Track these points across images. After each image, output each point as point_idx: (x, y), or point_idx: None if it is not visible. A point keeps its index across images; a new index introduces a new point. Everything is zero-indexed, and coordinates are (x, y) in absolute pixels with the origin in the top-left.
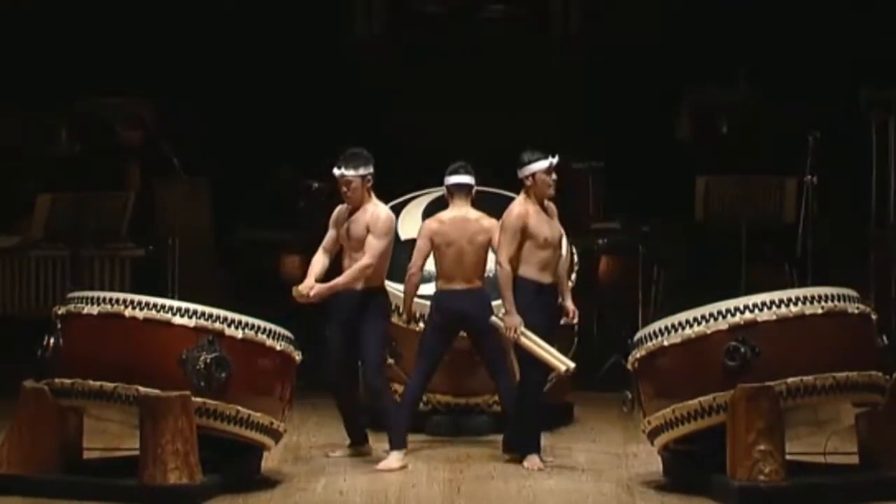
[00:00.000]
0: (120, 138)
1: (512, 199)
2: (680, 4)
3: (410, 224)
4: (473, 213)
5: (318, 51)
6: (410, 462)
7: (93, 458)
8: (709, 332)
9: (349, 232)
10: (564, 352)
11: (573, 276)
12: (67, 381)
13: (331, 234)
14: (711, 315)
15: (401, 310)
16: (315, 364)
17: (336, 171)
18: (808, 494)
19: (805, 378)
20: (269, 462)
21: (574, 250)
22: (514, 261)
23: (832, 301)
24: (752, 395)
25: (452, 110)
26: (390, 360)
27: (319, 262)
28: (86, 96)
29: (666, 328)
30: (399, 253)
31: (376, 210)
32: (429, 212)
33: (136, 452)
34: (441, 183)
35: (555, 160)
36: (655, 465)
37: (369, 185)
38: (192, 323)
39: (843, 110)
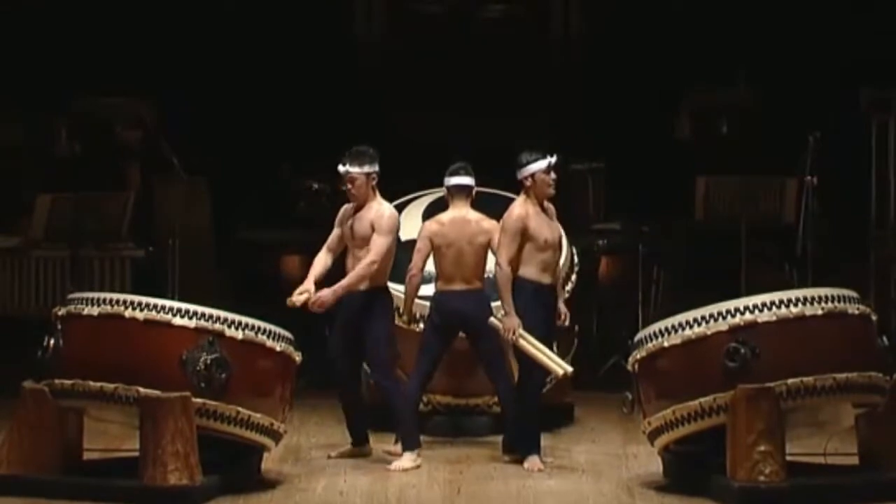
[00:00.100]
0: (120, 138)
1: (512, 199)
2: (680, 4)
3: (410, 225)
4: (473, 215)
5: (318, 51)
6: None
7: (93, 459)
8: (709, 332)
9: (353, 230)
10: (565, 352)
11: (573, 277)
12: (67, 381)
13: (335, 232)
14: (711, 316)
15: (401, 310)
16: (315, 364)
17: (341, 168)
18: (809, 495)
19: (805, 379)
20: (269, 463)
21: (574, 250)
22: (514, 262)
23: (832, 302)
24: (752, 396)
25: (452, 110)
26: None
27: (321, 261)
28: (86, 96)
29: (666, 329)
30: (399, 254)
31: (380, 208)
32: (429, 213)
33: (137, 453)
34: (441, 184)
35: (553, 159)
36: (655, 465)
37: (374, 182)
38: (192, 324)
39: (843, 110)
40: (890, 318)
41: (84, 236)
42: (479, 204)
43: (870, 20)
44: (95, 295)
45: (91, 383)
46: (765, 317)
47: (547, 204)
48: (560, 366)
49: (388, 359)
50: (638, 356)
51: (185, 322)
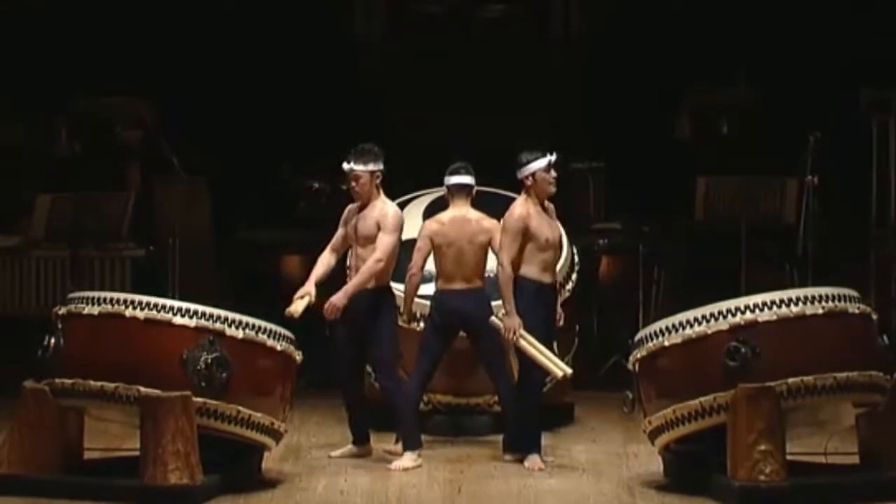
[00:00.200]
0: (120, 138)
1: (512, 198)
2: (680, 4)
3: (411, 224)
4: (473, 214)
5: (318, 51)
6: None
7: (93, 459)
8: (709, 332)
9: (357, 228)
10: (565, 352)
11: (573, 277)
12: (68, 381)
13: (339, 232)
14: (712, 315)
15: (401, 310)
16: (316, 364)
17: (345, 165)
18: (809, 494)
19: (805, 378)
20: (269, 462)
21: (574, 250)
22: (516, 262)
23: (833, 301)
24: (752, 395)
25: (452, 110)
26: None
27: (325, 261)
28: (86, 96)
29: (666, 328)
30: (400, 253)
31: (385, 207)
32: (429, 212)
33: (137, 453)
34: (441, 183)
35: (553, 157)
36: (656, 465)
37: (378, 181)
38: (192, 323)
39: (843, 110)
40: (890, 318)
41: (84, 236)
42: (480, 203)
43: (870, 20)
44: (96, 294)
45: (91, 383)
46: (765, 316)
47: (547, 203)
48: (560, 367)
49: (391, 359)
50: (638, 355)
51: (185, 321)
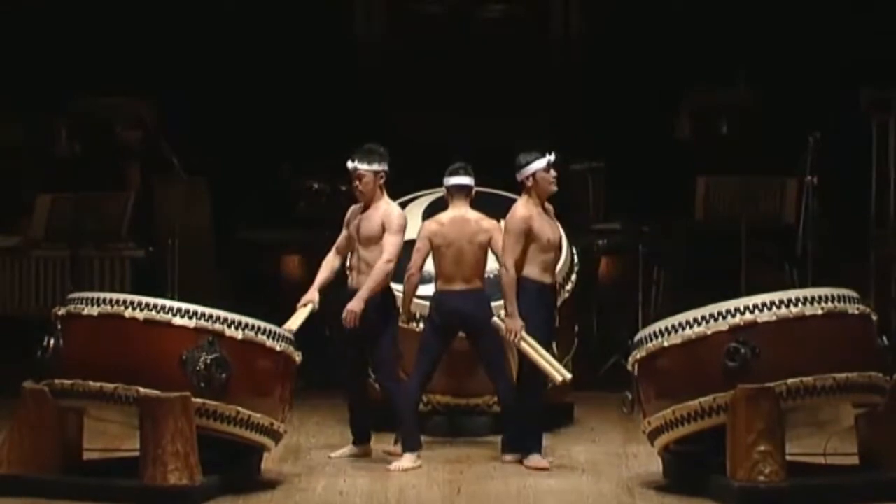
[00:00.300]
0: (120, 138)
1: (512, 199)
2: (680, 4)
3: (411, 225)
4: (473, 214)
5: (318, 51)
6: None
7: (93, 459)
8: (709, 332)
9: (359, 229)
10: (565, 352)
11: (573, 277)
12: (67, 381)
13: (344, 234)
14: (711, 316)
15: (400, 310)
16: (315, 364)
17: (349, 164)
18: (809, 495)
19: (805, 379)
20: (269, 463)
21: (574, 250)
22: (519, 263)
23: (832, 302)
24: (752, 395)
25: (452, 110)
26: None
27: (329, 264)
28: (86, 96)
29: (666, 329)
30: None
31: (388, 208)
32: (429, 213)
33: (137, 453)
34: (441, 184)
35: (552, 157)
36: (655, 465)
37: (382, 181)
38: (192, 324)
39: (843, 110)
40: (890, 318)
41: (84, 236)
42: (480, 204)
43: (870, 20)
44: (95, 295)
45: (91, 383)
46: (765, 317)
47: (547, 204)
48: (560, 372)
49: (392, 359)
50: (638, 356)
51: (185, 322)
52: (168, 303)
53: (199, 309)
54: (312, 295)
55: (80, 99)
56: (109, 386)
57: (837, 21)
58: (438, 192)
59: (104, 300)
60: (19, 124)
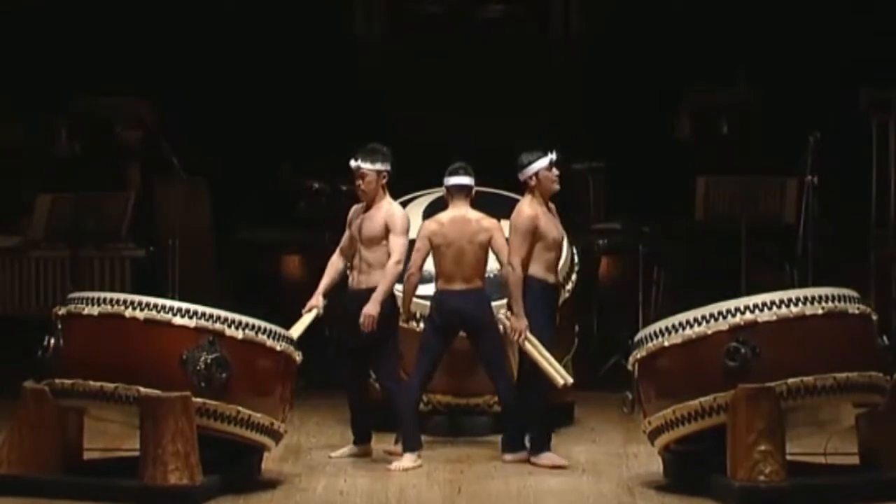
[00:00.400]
0: (120, 138)
1: (512, 199)
2: (680, 4)
3: (411, 224)
4: (473, 214)
5: (318, 51)
6: None
7: (93, 459)
8: (709, 332)
9: (361, 229)
10: (565, 352)
11: (573, 277)
12: (68, 381)
13: (347, 235)
14: (712, 315)
15: (400, 310)
16: (316, 364)
17: (352, 163)
18: (809, 495)
19: (805, 379)
20: (269, 462)
21: (574, 250)
22: (524, 262)
23: (832, 301)
24: (752, 395)
25: (452, 110)
26: None
27: (334, 268)
28: (86, 96)
29: (666, 329)
30: None
31: (391, 208)
32: (429, 213)
33: (137, 453)
34: (441, 184)
35: (554, 156)
36: (655, 465)
37: (384, 181)
38: (192, 323)
39: (843, 110)
40: (890, 318)
41: (84, 236)
42: (480, 204)
43: (870, 20)
44: (95, 295)
45: (91, 383)
46: (765, 316)
47: (549, 203)
48: (562, 375)
49: (392, 359)
50: (638, 356)
51: (185, 322)
52: (168, 302)
53: (200, 309)
54: (317, 300)
55: (80, 99)
56: (110, 386)
57: (837, 21)
58: (438, 192)
59: (104, 300)
60: (19, 124)
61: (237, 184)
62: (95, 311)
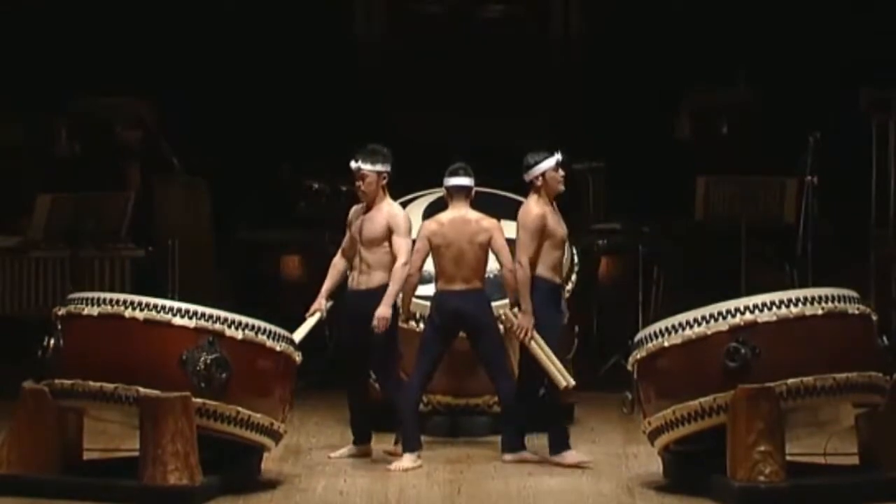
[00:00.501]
0: (120, 138)
1: (512, 199)
2: (680, 4)
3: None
4: (473, 214)
5: (318, 51)
6: None
7: (93, 459)
8: (709, 332)
9: (362, 230)
10: (565, 352)
11: (573, 277)
12: (67, 381)
13: (348, 235)
14: (712, 316)
15: (400, 310)
16: (315, 364)
17: (353, 164)
18: (809, 495)
19: (805, 379)
20: (269, 463)
21: (574, 250)
22: (532, 261)
23: (832, 302)
24: (752, 395)
25: (452, 110)
26: None
27: (337, 268)
28: (86, 96)
29: (666, 329)
30: None
31: (392, 209)
32: (429, 213)
33: (136, 453)
34: (441, 184)
35: (559, 156)
36: (655, 465)
37: (384, 182)
38: (192, 324)
39: (843, 110)
40: (890, 318)
41: (84, 236)
42: (480, 204)
43: (870, 20)
44: (95, 295)
45: (91, 383)
46: (765, 317)
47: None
48: (565, 377)
49: (392, 360)
50: (638, 356)
51: (185, 322)
52: (168, 303)
53: (199, 309)
54: (320, 303)
55: (80, 99)
56: (109, 386)
57: (837, 21)
58: (438, 192)
59: (104, 300)
60: (19, 124)
61: (237, 184)
62: (95, 311)
